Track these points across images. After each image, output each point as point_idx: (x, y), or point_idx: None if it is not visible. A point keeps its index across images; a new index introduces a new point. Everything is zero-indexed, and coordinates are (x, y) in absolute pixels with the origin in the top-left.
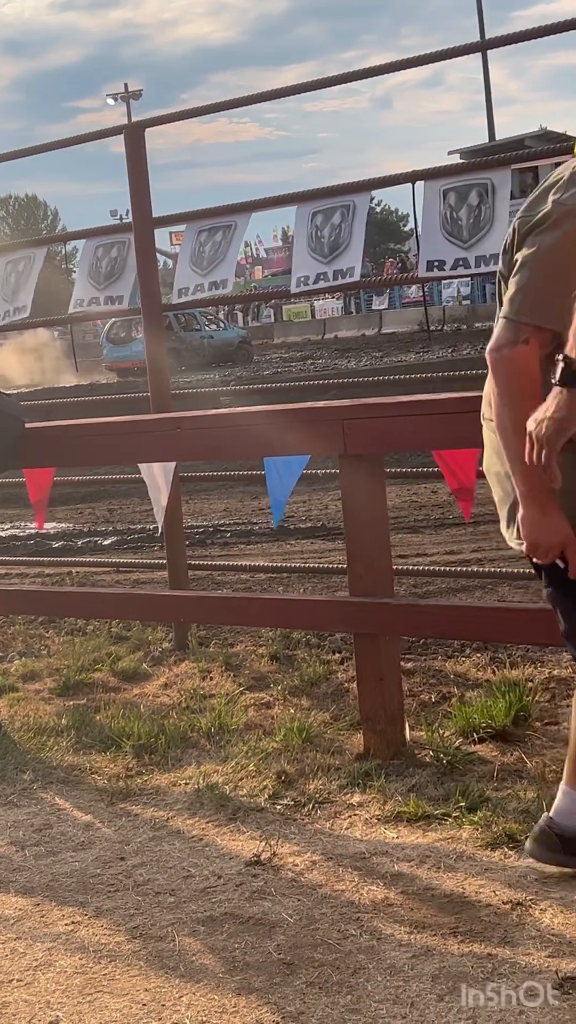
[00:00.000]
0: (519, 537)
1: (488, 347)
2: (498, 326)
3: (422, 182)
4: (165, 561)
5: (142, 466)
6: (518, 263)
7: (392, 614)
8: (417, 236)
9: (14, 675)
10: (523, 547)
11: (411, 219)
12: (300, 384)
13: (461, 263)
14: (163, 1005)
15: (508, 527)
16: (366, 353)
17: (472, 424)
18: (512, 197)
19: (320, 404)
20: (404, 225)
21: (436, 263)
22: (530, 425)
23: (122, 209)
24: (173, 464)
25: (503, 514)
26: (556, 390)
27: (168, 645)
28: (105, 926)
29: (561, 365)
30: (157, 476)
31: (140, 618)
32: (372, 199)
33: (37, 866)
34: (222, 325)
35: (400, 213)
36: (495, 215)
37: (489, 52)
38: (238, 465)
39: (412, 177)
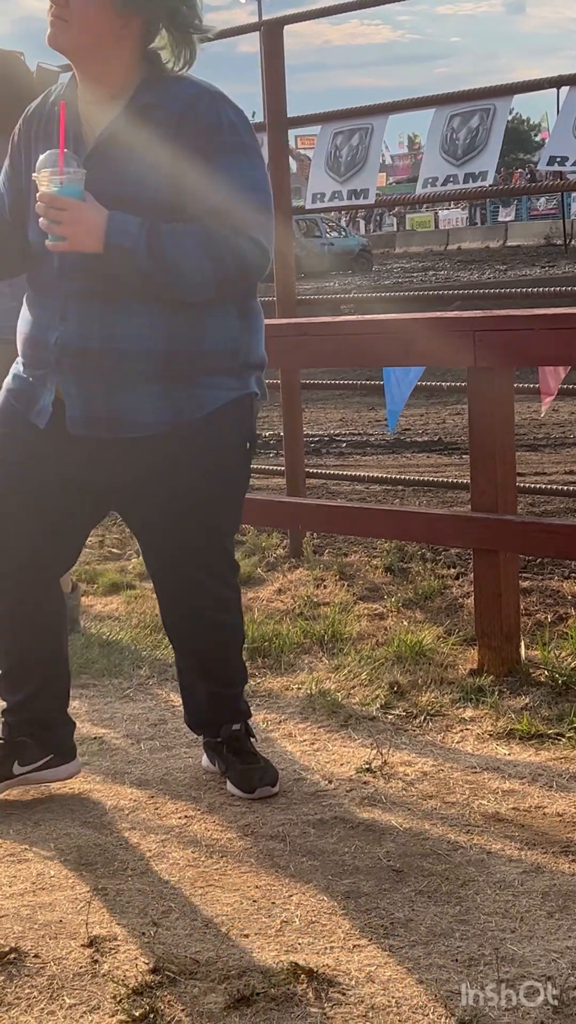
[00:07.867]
0: None
1: None
2: None
3: (567, 87)
4: (283, 468)
5: None
6: None
7: (514, 531)
8: None
9: (132, 573)
10: None
11: (544, 127)
12: (422, 294)
13: None
14: (273, 903)
15: None
16: (489, 266)
17: None
18: None
19: (451, 314)
20: (535, 135)
21: (558, 159)
22: None
23: (248, 111)
24: None
25: None
26: None
27: (283, 552)
28: (217, 822)
29: None
30: None
31: (257, 524)
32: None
33: (152, 760)
34: (343, 232)
35: (532, 123)
36: None
37: None
38: (356, 374)
39: (557, 83)
